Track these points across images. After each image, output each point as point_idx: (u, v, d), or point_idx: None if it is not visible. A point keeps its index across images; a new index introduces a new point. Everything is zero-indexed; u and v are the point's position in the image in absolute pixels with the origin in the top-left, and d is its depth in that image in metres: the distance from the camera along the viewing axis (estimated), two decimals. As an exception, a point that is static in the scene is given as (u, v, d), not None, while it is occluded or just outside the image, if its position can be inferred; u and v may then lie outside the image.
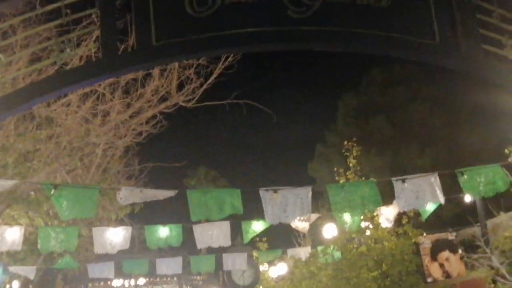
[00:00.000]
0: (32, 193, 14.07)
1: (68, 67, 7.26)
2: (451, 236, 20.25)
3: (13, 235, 11.83)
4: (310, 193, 9.52)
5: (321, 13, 6.80)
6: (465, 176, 10.08)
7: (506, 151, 15.28)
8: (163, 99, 16.12)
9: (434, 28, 7.11)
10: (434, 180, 10.14)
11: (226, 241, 12.65)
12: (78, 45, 9.09)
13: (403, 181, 9.93)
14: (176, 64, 15.30)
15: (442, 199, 10.20)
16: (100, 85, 14.77)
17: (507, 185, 10.05)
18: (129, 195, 8.87)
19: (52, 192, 8.30)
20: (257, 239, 21.69)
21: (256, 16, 6.71)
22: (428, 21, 7.13)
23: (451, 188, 11.78)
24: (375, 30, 6.93)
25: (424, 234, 20.13)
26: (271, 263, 23.67)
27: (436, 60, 7.35)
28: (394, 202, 12.05)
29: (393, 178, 10.01)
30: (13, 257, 16.39)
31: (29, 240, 14.44)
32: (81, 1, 6.79)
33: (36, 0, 9.93)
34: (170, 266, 17.59)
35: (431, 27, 7.11)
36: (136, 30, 6.52)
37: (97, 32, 10.37)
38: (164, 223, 13.22)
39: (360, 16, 6.92)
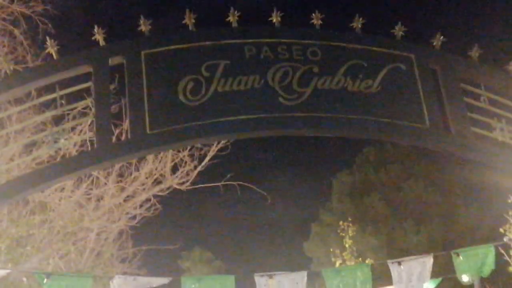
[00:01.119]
0: (25, 279, 13.86)
1: (62, 153, 7.31)
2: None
3: (4, 324, 11.57)
4: (306, 278, 9.43)
5: (312, 99, 6.94)
6: (461, 258, 10.03)
7: (502, 230, 15.25)
8: (157, 182, 16.15)
9: (424, 112, 7.24)
10: (428, 261, 10.10)
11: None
12: (73, 130, 9.17)
13: (399, 263, 9.87)
14: (168, 150, 15.41)
15: (435, 282, 10.17)
16: (93, 172, 14.80)
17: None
18: (122, 283, 8.76)
19: (44, 282, 8.20)
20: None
21: (248, 103, 6.84)
22: (418, 106, 7.27)
23: (449, 266, 11.69)
24: (366, 115, 7.06)
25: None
26: None
27: (427, 143, 7.44)
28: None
29: (389, 261, 9.96)
30: None
31: (20, 329, 14.14)
32: (76, 90, 6.90)
33: (32, 89, 10.12)
34: None
35: (420, 112, 7.24)
36: (130, 120, 6.61)
37: (90, 119, 10.52)
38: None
39: (350, 102, 7.05)
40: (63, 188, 14.73)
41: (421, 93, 7.35)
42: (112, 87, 7.10)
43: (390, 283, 12.95)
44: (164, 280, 8.92)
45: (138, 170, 15.77)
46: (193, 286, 8.88)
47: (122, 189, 15.73)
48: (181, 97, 6.73)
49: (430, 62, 7.61)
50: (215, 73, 6.84)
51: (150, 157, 15.64)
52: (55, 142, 6.40)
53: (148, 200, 16.35)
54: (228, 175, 16.56)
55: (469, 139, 7.29)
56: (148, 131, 6.58)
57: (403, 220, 31.36)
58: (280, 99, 6.88)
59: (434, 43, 7.66)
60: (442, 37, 7.66)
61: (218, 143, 15.94)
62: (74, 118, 10.76)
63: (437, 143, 7.34)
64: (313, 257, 33.23)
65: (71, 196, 14.72)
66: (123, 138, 9.14)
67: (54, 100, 6.96)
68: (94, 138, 6.67)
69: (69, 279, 8.60)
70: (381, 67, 7.31)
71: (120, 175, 15.74)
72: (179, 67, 6.86)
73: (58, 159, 9.17)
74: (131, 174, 15.77)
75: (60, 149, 6.91)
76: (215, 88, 6.80)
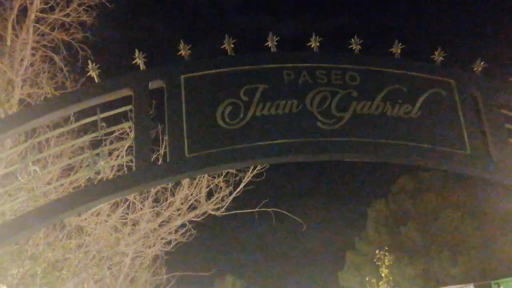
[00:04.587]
0: (59, 303, 13.94)
1: (99, 177, 7.35)
2: None
3: None
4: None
5: (351, 124, 6.89)
6: (502, 288, 9.80)
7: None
8: (192, 207, 16.19)
9: (465, 138, 7.14)
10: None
11: None
12: (110, 154, 9.25)
13: (438, 293, 9.68)
14: (206, 174, 15.45)
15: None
16: (130, 195, 14.89)
17: None
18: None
19: (81, 304, 8.21)
20: None
21: (286, 127, 6.81)
22: (458, 132, 7.17)
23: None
24: (405, 141, 6.98)
25: None
26: None
27: (467, 170, 7.32)
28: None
29: (427, 290, 9.77)
30: None
31: None
32: (115, 114, 6.96)
33: (71, 114, 10.25)
34: None
35: (461, 138, 7.13)
36: (169, 143, 6.63)
37: (128, 143, 10.59)
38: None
39: (390, 127, 6.98)
40: (99, 213, 14.85)
41: (462, 118, 7.25)
42: (151, 115, 7.15)
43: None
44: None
45: (173, 196, 15.84)
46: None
47: (158, 214, 15.81)
48: (219, 121, 6.74)
49: (471, 87, 7.51)
50: (254, 97, 6.84)
51: (185, 183, 15.70)
52: (95, 164, 6.44)
53: (183, 225, 16.39)
54: (263, 202, 16.53)
55: (511, 166, 7.15)
56: (186, 154, 6.59)
57: (439, 251, 30.89)
58: (319, 124, 6.84)
59: (475, 69, 7.58)
60: (482, 62, 7.58)
61: (253, 169, 15.94)
62: (111, 143, 10.90)
63: (478, 170, 7.21)
64: (347, 287, 32.85)
65: (107, 220, 14.82)
66: (159, 163, 9.19)
67: (92, 125, 7.04)
68: (132, 163, 6.70)
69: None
70: (421, 93, 7.24)
71: (156, 200, 15.84)
72: (218, 91, 6.88)
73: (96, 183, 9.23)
74: (166, 199, 15.84)
75: (99, 172, 6.95)
76: (253, 112, 6.80)
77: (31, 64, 14.85)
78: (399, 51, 7.40)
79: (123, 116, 7.26)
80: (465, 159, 7.08)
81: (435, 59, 7.48)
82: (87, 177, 11.98)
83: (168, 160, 6.64)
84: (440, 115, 7.23)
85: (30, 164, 6.50)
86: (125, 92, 6.86)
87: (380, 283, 20.24)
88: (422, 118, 7.13)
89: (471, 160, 7.08)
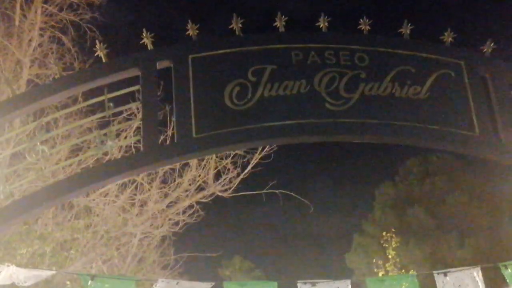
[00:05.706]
0: (68, 283, 14.06)
1: (107, 158, 7.37)
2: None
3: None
4: (349, 287, 9.30)
5: (359, 105, 6.86)
6: (509, 270, 9.76)
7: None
8: (200, 188, 16.23)
9: (473, 119, 7.09)
10: (476, 274, 9.84)
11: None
12: (117, 135, 9.26)
13: (445, 274, 9.64)
14: (213, 154, 15.47)
15: (484, 295, 9.86)
16: (138, 175, 14.94)
17: None
18: (165, 286, 8.77)
19: (89, 283, 8.25)
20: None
21: (294, 108, 6.79)
22: (467, 113, 7.12)
23: (495, 281, 11.44)
24: (414, 122, 6.94)
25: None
26: None
27: (476, 151, 7.29)
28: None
29: (434, 272, 9.74)
30: None
31: (64, 331, 14.31)
32: (123, 94, 6.95)
33: (78, 94, 10.26)
34: None
35: (470, 119, 7.09)
36: (177, 123, 6.63)
37: (136, 123, 10.60)
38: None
39: (398, 109, 6.95)
40: (107, 194, 14.92)
41: (471, 100, 7.20)
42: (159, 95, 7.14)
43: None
44: (207, 285, 8.88)
45: (181, 177, 15.89)
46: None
47: (166, 195, 15.87)
48: (227, 102, 6.72)
49: (480, 69, 7.46)
50: (262, 78, 6.82)
51: (193, 164, 15.74)
52: (103, 143, 6.44)
53: (191, 206, 16.45)
54: (271, 184, 16.56)
55: (520, 148, 7.11)
56: (194, 135, 6.58)
57: (447, 233, 30.87)
58: (327, 105, 6.82)
59: (484, 50, 7.52)
60: (492, 43, 7.52)
61: (261, 151, 15.96)
62: (119, 124, 10.90)
63: (486, 151, 7.18)
64: (354, 268, 32.92)
65: (115, 201, 14.89)
66: (167, 143, 9.20)
67: (100, 106, 7.05)
68: (140, 143, 6.71)
69: (112, 282, 8.64)
70: (430, 74, 7.19)
71: (164, 181, 15.89)
72: (226, 71, 6.86)
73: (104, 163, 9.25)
74: (174, 180, 15.89)
75: (107, 153, 6.96)
76: (261, 93, 6.78)
77: (39, 45, 14.85)
78: (408, 32, 7.34)
79: (131, 98, 7.26)
80: (474, 140, 7.04)
81: (444, 40, 7.42)
82: (95, 158, 12.05)
83: (175, 141, 6.65)
84: (449, 97, 7.19)
85: (39, 144, 6.51)
86: (133, 72, 6.85)
87: (387, 264, 20.29)
88: (431, 100, 7.08)
89: (480, 141, 7.04)
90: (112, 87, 6.92)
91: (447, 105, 7.13)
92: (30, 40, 14.54)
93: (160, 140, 6.96)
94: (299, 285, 9.12)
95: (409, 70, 7.16)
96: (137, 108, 8.44)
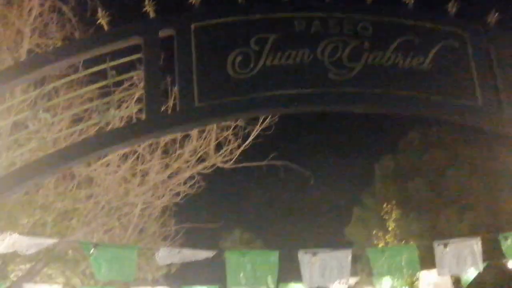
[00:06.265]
0: (70, 252, 14.12)
1: (109, 128, 7.36)
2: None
3: (51, 294, 11.79)
4: (350, 257, 9.38)
5: (362, 75, 6.84)
6: (509, 241, 9.84)
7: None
8: (201, 160, 16.24)
9: (477, 90, 7.09)
10: (476, 245, 9.93)
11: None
12: (119, 106, 9.23)
13: (445, 245, 9.73)
14: (214, 125, 15.46)
15: (481, 266, 9.97)
16: (139, 145, 14.95)
17: None
18: (167, 255, 8.85)
19: (91, 252, 8.31)
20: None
21: (297, 78, 6.77)
22: (470, 84, 7.11)
23: (492, 254, 11.50)
24: (417, 92, 6.94)
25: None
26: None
27: (478, 122, 7.30)
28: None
29: (435, 242, 9.82)
30: (48, 316, 16.32)
31: (65, 300, 14.42)
32: (124, 63, 6.93)
33: (79, 63, 10.20)
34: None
35: (473, 90, 7.08)
36: (179, 92, 6.61)
37: (138, 93, 10.56)
38: (200, 284, 13.02)
39: (401, 78, 6.94)
40: (109, 164, 14.92)
41: (474, 71, 7.19)
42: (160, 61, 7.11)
43: (434, 267, 12.80)
44: (208, 254, 8.97)
45: (182, 148, 15.88)
46: (237, 260, 8.91)
47: (167, 166, 15.87)
48: (229, 71, 6.70)
49: (484, 40, 7.42)
50: (264, 47, 6.79)
51: (194, 135, 15.73)
52: (105, 112, 6.43)
53: (191, 177, 16.47)
54: (272, 155, 16.57)
55: (523, 120, 7.10)
56: (196, 103, 6.58)
57: (447, 207, 30.94)
58: (330, 74, 6.80)
59: (489, 21, 7.47)
60: (496, 14, 7.47)
61: (262, 122, 15.94)
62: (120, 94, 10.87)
63: (488, 122, 7.19)
64: (354, 241, 33.04)
65: (116, 171, 14.89)
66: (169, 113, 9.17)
67: (101, 76, 7.02)
68: (141, 113, 6.70)
69: (114, 250, 8.72)
70: (433, 44, 7.16)
71: (165, 152, 15.88)
72: (229, 40, 6.83)
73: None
74: (175, 151, 15.89)
75: (108, 124, 6.94)
76: (264, 62, 6.76)
77: (40, 14, 14.73)
78: (412, 1, 7.29)
79: (132, 68, 7.22)
80: (476, 111, 7.04)
81: (448, 10, 7.37)
82: (97, 128, 12.04)
83: (177, 109, 6.64)
84: (452, 67, 7.17)
85: (41, 112, 6.51)
86: (135, 40, 6.82)
87: (386, 236, 20.41)
88: (434, 70, 7.06)
89: (483, 112, 7.04)
90: (113, 57, 6.90)
91: (450, 76, 7.12)
92: (30, 10, 14.42)
93: (162, 109, 6.93)
94: (300, 254, 9.21)
95: (413, 41, 7.13)
96: (138, 79, 8.42)
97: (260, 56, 6.75)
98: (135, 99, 12.84)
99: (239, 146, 16.17)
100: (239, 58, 6.74)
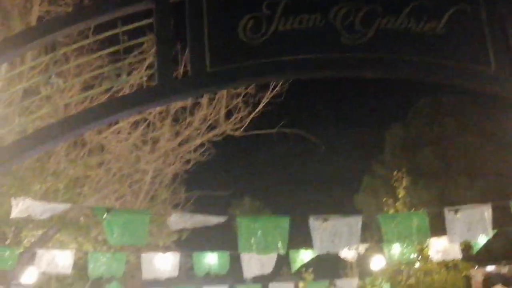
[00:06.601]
0: (82, 218, 14.25)
1: (120, 95, 7.36)
2: (503, 269, 19.71)
3: (63, 259, 11.91)
4: (360, 223, 9.41)
5: (375, 40, 6.77)
6: (520, 208, 9.85)
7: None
8: (211, 127, 16.28)
9: (490, 56, 7.00)
10: (486, 212, 9.93)
11: (272, 270, 12.50)
12: (129, 73, 9.23)
13: (456, 212, 9.73)
14: (224, 92, 15.45)
15: (491, 233, 9.99)
16: (150, 113, 14.98)
17: None
18: (179, 219, 8.91)
19: (104, 217, 8.37)
20: (303, 269, 21.43)
21: (309, 42, 6.72)
22: (484, 49, 7.02)
23: (503, 220, 11.53)
24: (430, 57, 6.87)
25: (476, 267, 19.66)
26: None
27: (491, 88, 7.23)
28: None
29: (445, 208, 9.83)
30: (61, 282, 16.55)
31: (77, 265, 14.57)
32: (135, 28, 6.91)
33: (89, 29, 10.18)
34: (216, 294, 17.44)
35: (486, 55, 6.99)
36: (191, 57, 6.59)
37: (148, 60, 10.54)
38: (211, 250, 13.12)
39: (414, 44, 6.87)
40: (120, 131, 14.98)
41: (488, 36, 7.08)
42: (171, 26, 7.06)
43: (443, 234, 12.84)
44: (220, 219, 9.02)
45: (192, 115, 15.91)
46: (248, 226, 8.96)
47: (177, 133, 15.92)
48: (241, 36, 6.66)
49: (498, 4, 7.32)
50: (276, 11, 6.73)
51: (204, 103, 15.74)
52: (117, 76, 6.43)
53: (202, 145, 16.53)
54: (282, 123, 16.57)
55: (536, 85, 7.04)
56: (208, 68, 6.56)
57: (456, 175, 30.94)
58: (342, 39, 6.74)
59: (503, -16, 7.37)
60: (511, -22, 7.36)
61: (273, 89, 15.91)
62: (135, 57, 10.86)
63: (501, 88, 7.11)
64: (364, 209, 33.16)
65: (127, 138, 14.96)
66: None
67: (112, 42, 7.00)
68: (152, 80, 6.69)
69: (127, 216, 8.77)
70: (447, 8, 7.06)
71: (175, 119, 15.93)
72: (240, 5, 6.78)
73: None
74: (185, 119, 15.92)
75: (119, 91, 6.94)
76: (275, 27, 6.70)
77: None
78: (425, -35, 7.19)
79: (142, 35, 7.20)
80: (489, 76, 6.96)
81: (462, -27, 7.27)
82: (109, 95, 12.06)
83: (189, 74, 6.62)
84: (466, 32, 7.07)
85: (53, 77, 6.51)
86: (146, 4, 6.77)
87: (396, 204, 20.46)
88: (447, 35, 6.97)
89: (496, 77, 6.96)
90: (124, 24, 6.86)
91: (463, 41, 7.03)
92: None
93: (174, 75, 6.92)
94: (311, 220, 9.24)
95: (426, 5, 7.03)
96: (148, 47, 8.39)
97: (272, 21, 6.70)
98: (145, 66, 12.86)
99: (249, 114, 16.20)
100: (250, 23, 6.69)
